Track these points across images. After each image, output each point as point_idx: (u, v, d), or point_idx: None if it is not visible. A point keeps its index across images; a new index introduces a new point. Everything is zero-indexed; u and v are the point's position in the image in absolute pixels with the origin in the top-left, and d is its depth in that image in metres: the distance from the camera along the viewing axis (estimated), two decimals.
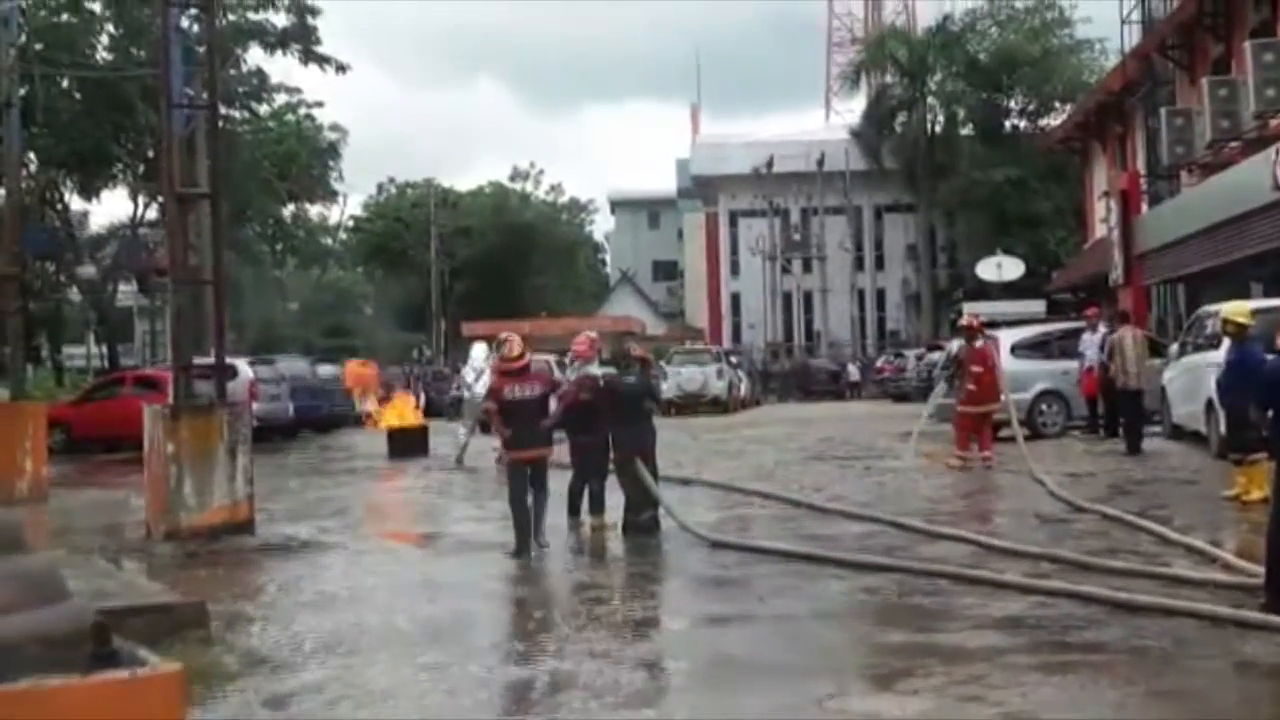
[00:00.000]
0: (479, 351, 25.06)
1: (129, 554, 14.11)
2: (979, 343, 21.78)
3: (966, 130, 69.06)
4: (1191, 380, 21.24)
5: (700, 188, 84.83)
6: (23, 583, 3.13)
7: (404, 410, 31.99)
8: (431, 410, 40.22)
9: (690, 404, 46.32)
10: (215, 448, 14.84)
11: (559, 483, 14.64)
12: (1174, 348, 23.85)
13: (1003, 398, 21.34)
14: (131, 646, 3.26)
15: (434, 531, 16.10)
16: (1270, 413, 9.83)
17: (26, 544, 3.31)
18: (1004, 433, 22.07)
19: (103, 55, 47.61)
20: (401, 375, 52.34)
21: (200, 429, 14.86)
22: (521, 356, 14.12)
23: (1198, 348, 21.20)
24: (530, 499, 13.71)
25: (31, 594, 3.12)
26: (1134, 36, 38.08)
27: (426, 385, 51.33)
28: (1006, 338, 26.51)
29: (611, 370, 15.62)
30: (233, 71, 48.57)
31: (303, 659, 9.05)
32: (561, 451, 15.13)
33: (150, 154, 45.43)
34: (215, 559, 13.78)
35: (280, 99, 58.10)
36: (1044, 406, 26.42)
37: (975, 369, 21.32)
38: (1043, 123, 65.65)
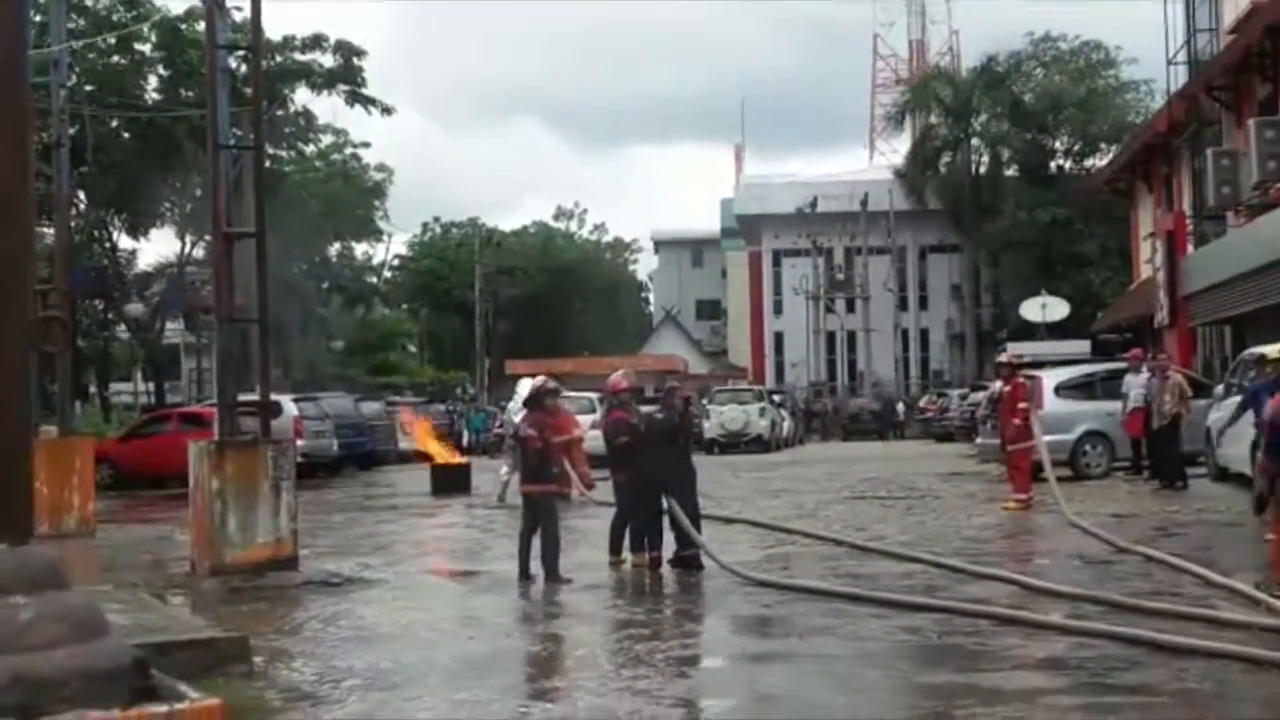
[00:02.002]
0: (525, 389, 25.09)
1: (174, 589, 14.19)
2: (1018, 381, 21.69)
3: (1011, 171, 68.91)
4: (1236, 425, 21.06)
5: (744, 227, 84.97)
6: (64, 619, 3.17)
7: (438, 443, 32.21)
8: (475, 448, 40.33)
9: (733, 442, 46.30)
10: (260, 484, 14.90)
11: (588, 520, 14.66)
12: (1219, 389, 23.70)
13: (1035, 439, 21.19)
14: (171, 681, 3.29)
15: (475, 568, 16.12)
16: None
17: (67, 580, 3.35)
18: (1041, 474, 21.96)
19: (151, 96, 48.05)
20: (445, 414, 52.43)
21: (245, 465, 14.93)
22: (531, 399, 15.35)
23: (1243, 389, 21.05)
24: (539, 533, 14.40)
25: (72, 630, 3.16)
26: (1180, 78, 37.97)
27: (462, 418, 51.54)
28: (1050, 378, 26.40)
29: (652, 409, 15.70)
30: (279, 112, 48.96)
31: (343, 694, 9.08)
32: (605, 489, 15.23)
33: (197, 193, 45.79)
34: (259, 594, 13.83)
35: (326, 140, 58.56)
36: (1088, 447, 26.25)
37: (1022, 405, 21.24)
38: (1088, 163, 65.49)
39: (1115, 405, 25.45)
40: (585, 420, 32.74)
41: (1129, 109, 64.42)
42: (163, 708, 3.12)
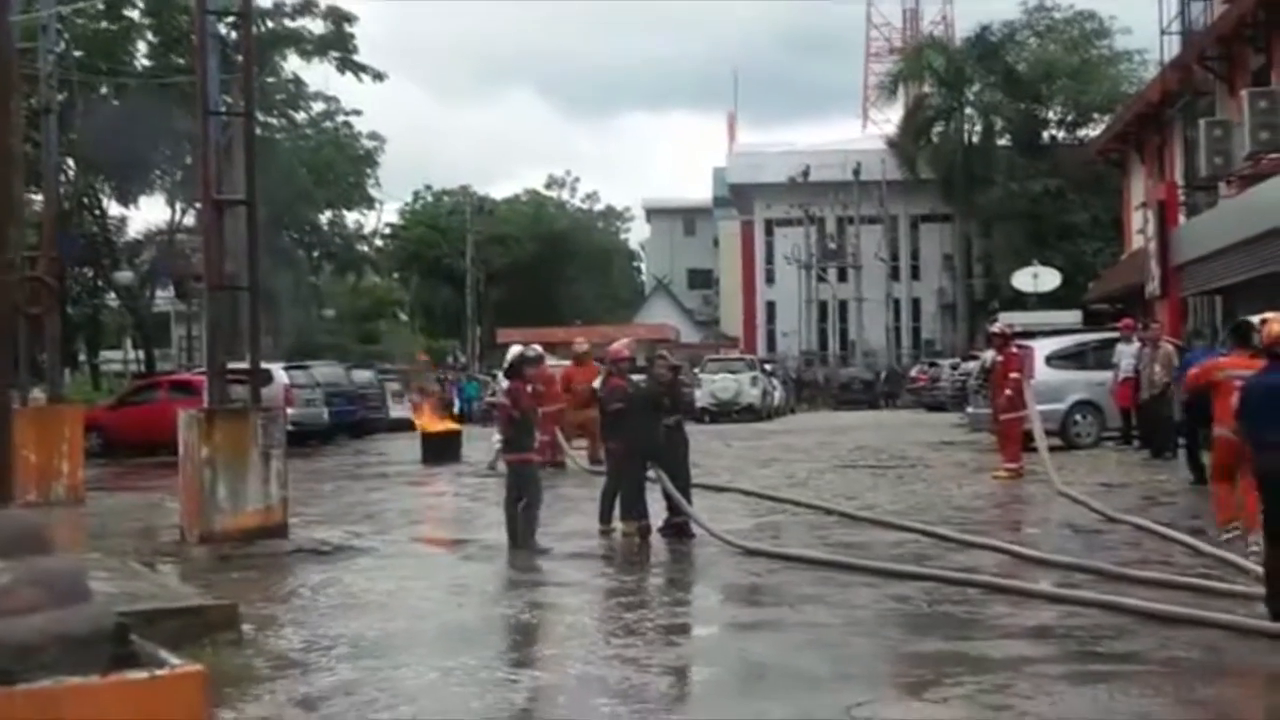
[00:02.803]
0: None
1: (163, 557, 14.18)
2: (1010, 351, 21.69)
3: (1004, 141, 68.88)
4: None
5: (736, 196, 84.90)
6: (44, 584, 3.14)
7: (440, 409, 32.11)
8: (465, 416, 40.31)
9: (724, 412, 46.30)
10: (249, 452, 14.87)
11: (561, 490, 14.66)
12: None
13: (1027, 408, 21.19)
14: (152, 648, 3.27)
15: (464, 537, 16.13)
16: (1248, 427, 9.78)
17: (49, 545, 3.33)
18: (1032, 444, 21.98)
19: (141, 62, 47.88)
20: (435, 380, 52.40)
21: (235, 433, 14.91)
22: (510, 368, 15.28)
23: None
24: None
25: (52, 595, 3.13)
26: (1173, 48, 37.85)
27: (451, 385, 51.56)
28: (1042, 348, 26.37)
29: (642, 378, 15.72)
30: (270, 79, 48.79)
31: (332, 662, 9.07)
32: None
33: (188, 160, 45.64)
34: (248, 562, 13.82)
35: (317, 107, 58.37)
36: (1079, 417, 26.28)
37: (1014, 375, 21.24)
38: (1081, 134, 65.48)
39: (1106, 375, 25.49)
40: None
41: (1122, 79, 64.32)
42: (143, 674, 3.10)
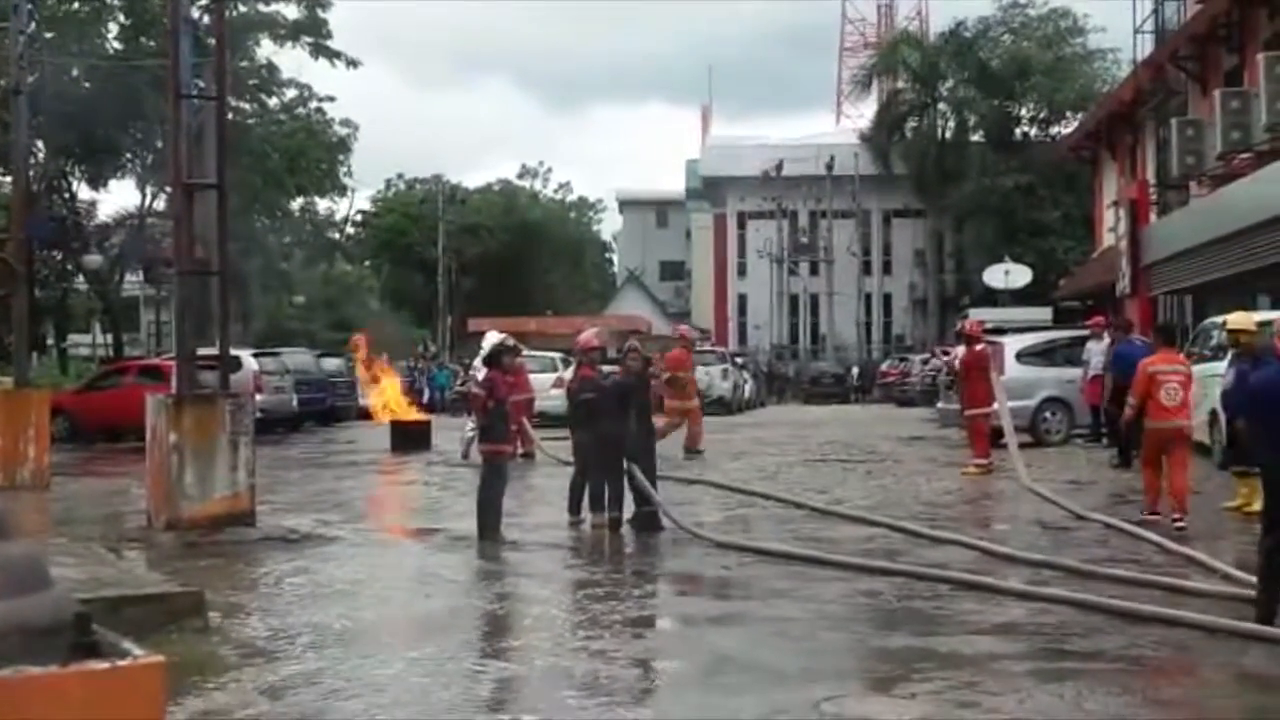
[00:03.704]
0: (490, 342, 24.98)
1: (129, 543, 14.10)
2: (979, 347, 21.70)
3: (977, 137, 69.07)
4: (1198, 391, 21.07)
5: (709, 189, 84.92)
6: (2, 571, 3.09)
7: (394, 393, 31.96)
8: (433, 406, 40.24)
9: None
10: (217, 438, 14.81)
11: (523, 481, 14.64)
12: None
13: (995, 404, 21.20)
14: (115, 637, 3.22)
15: (433, 526, 16.08)
16: (1255, 425, 9.80)
17: (8, 531, 3.27)
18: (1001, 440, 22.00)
19: (113, 45, 47.55)
20: (407, 371, 52.27)
21: (203, 419, 14.84)
22: (490, 357, 15.34)
23: (1203, 359, 21.09)
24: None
25: (10, 582, 3.08)
26: (1147, 47, 37.99)
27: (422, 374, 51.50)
28: (1012, 344, 26.43)
29: (614, 370, 15.69)
30: (243, 63, 48.54)
31: (299, 650, 9.03)
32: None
33: (158, 144, 45.38)
34: (215, 549, 13.76)
35: (290, 93, 58.10)
36: (1048, 414, 26.30)
37: (984, 371, 21.25)
38: (1054, 131, 65.66)
39: (1076, 372, 25.54)
40: (547, 379, 32.86)
41: (1096, 77, 64.52)
42: (104, 664, 3.05)
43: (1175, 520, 14.22)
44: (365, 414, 40.14)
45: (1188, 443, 15.13)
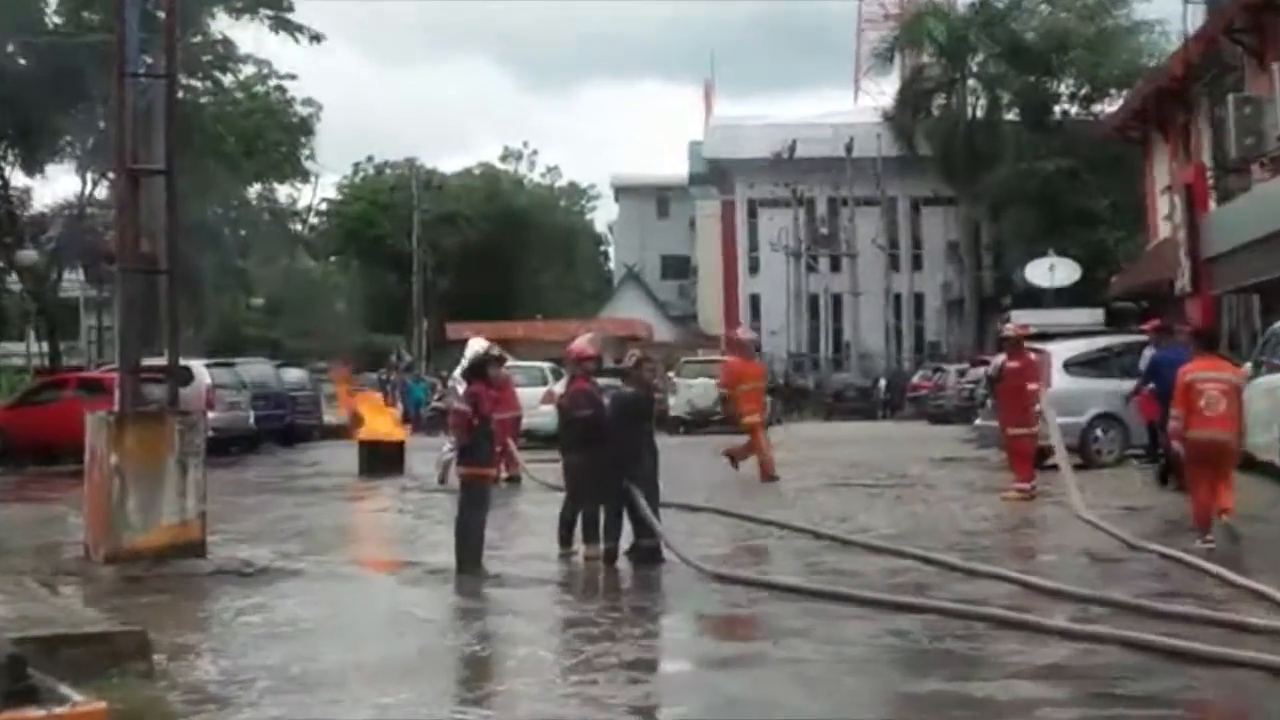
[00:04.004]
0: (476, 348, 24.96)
1: (65, 577, 14.10)
2: (1023, 355, 21.67)
3: (1011, 116, 68.97)
4: (1269, 405, 20.99)
5: (715, 174, 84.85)
6: None
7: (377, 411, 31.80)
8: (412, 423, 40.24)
9: (701, 421, 46.24)
10: (165, 460, 14.82)
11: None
12: (1248, 367, 23.70)
13: (1043, 420, 21.18)
14: (53, 682, 3.25)
15: (407, 559, 16.10)
16: None
17: None
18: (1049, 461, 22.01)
19: (52, 19, 47.64)
20: (376, 382, 52.28)
21: (149, 439, 14.85)
22: (473, 368, 15.47)
23: (1273, 368, 21.04)
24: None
25: None
26: (1197, 18, 38.01)
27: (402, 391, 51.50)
28: (1059, 352, 26.27)
29: (615, 382, 15.69)
30: (195, 38, 48.61)
31: (255, 696, 9.05)
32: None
33: (101, 126, 45.43)
34: (161, 584, 13.77)
35: (247, 70, 58.20)
36: (1099, 432, 26.08)
37: (1032, 386, 21.24)
38: (1096, 109, 65.57)
39: (1132, 384, 25.33)
40: (536, 393, 32.79)
41: (1141, 51, 64.46)
42: (40, 711, 3.09)
43: (1208, 540, 14.93)
44: (330, 432, 40.21)
45: (1232, 457, 15.64)
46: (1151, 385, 21.80)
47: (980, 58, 69.73)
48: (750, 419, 25.27)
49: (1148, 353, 24.79)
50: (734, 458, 25.17)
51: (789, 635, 10.93)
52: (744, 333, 26.68)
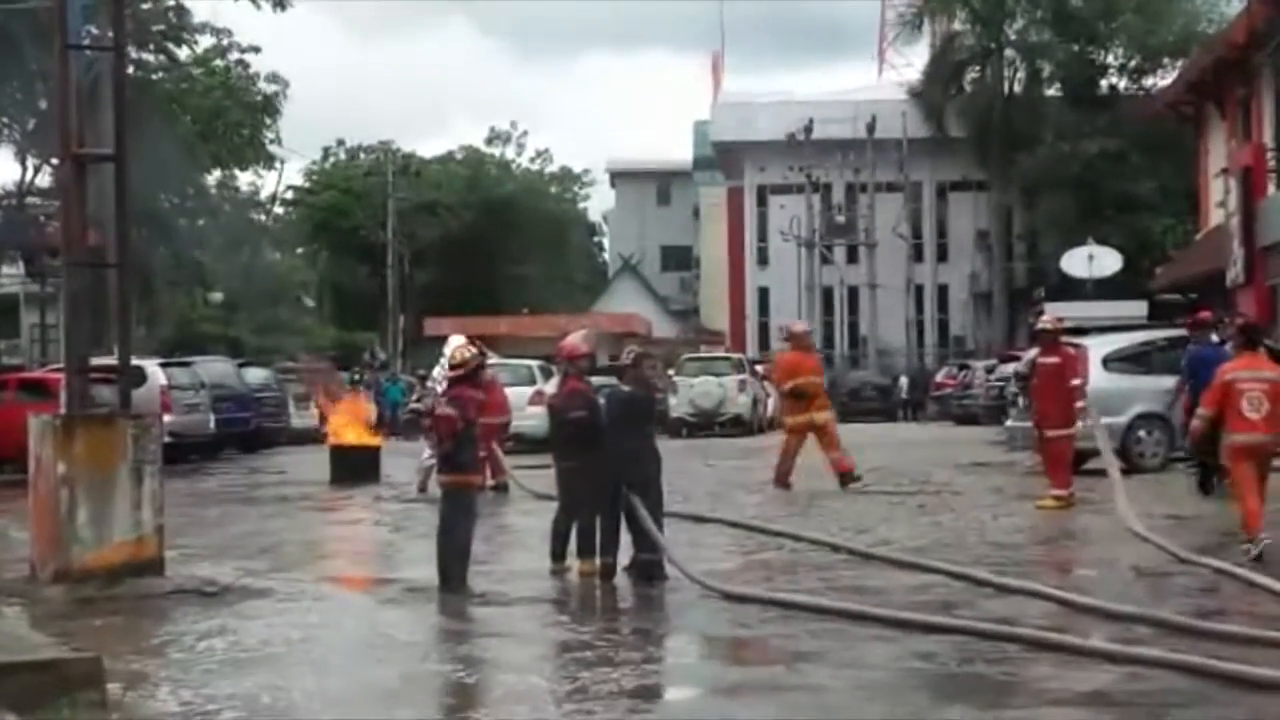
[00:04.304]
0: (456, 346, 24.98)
1: (9, 598, 14.10)
2: (1060, 350, 21.68)
3: (1053, 90, 68.94)
4: None
5: (722, 157, 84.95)
6: None
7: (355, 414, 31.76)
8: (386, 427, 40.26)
9: (705, 423, 46.31)
10: (117, 469, 14.80)
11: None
12: None
13: (1085, 421, 21.18)
14: (1, 712, 3.26)
15: (385, 576, 16.12)
16: None
17: None
18: (1089, 465, 22.02)
19: None
20: (349, 384, 52.29)
21: (99, 445, 14.82)
22: (461, 365, 15.04)
23: None
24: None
25: None
26: None
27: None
28: (1097, 347, 26.31)
29: (611, 381, 15.69)
30: (145, 5, 48.62)
31: None
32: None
33: (42, 105, 45.43)
34: (115, 605, 13.77)
35: (205, 42, 58.16)
36: (1142, 433, 26.16)
37: (1075, 383, 21.24)
38: (1147, 83, 65.56)
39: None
40: (524, 393, 32.80)
41: (1199, 16, 64.46)
42: None
43: (1245, 546, 15.29)
44: (299, 437, 40.23)
45: (1270, 461, 16.11)
46: (1189, 384, 21.96)
47: (1019, 24, 69.74)
48: (795, 419, 25.03)
49: (1194, 348, 24.87)
50: (846, 472, 24.57)
51: (804, 659, 10.94)
52: (802, 325, 26.33)
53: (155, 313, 59.05)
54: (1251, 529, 15.48)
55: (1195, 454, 21.58)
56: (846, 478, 24.03)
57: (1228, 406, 15.56)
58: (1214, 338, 22.99)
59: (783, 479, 24.54)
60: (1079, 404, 21.16)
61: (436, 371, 26.02)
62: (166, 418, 23.32)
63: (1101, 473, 20.57)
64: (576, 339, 16.18)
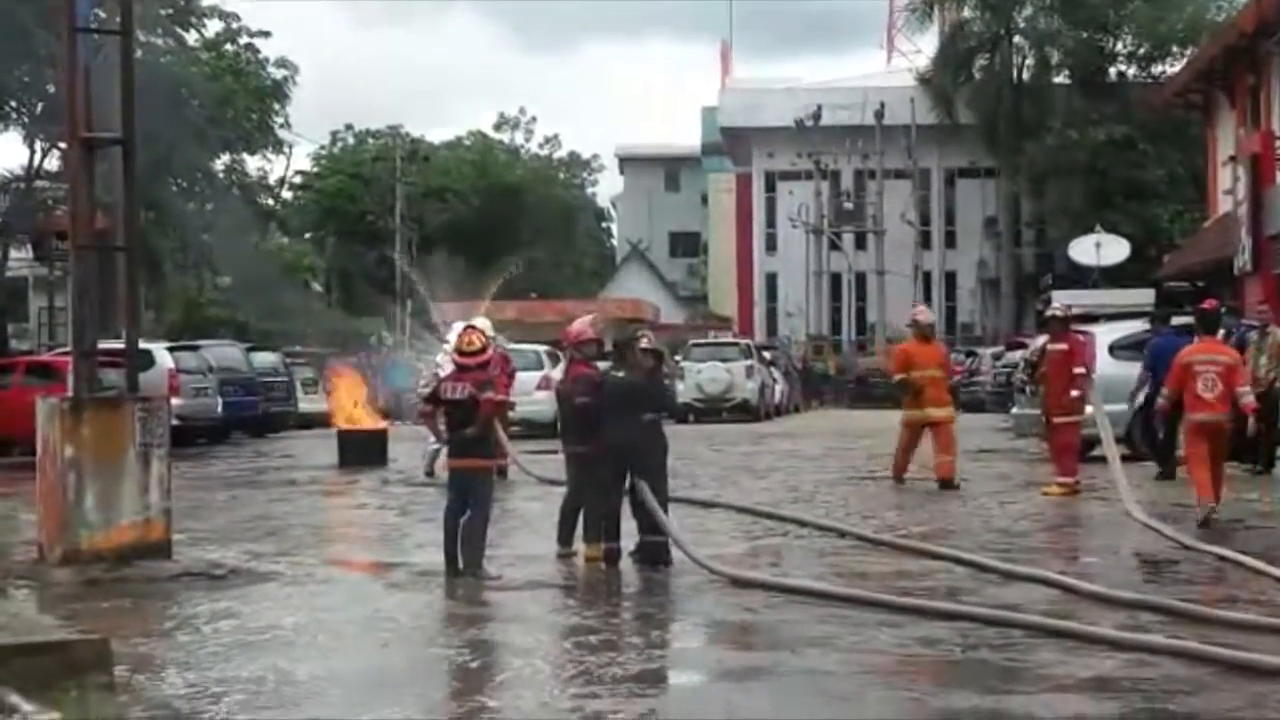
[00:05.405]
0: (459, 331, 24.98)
1: (17, 580, 14.12)
2: (1068, 336, 21.67)
3: (1061, 78, 68.89)
4: None
5: (730, 143, 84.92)
6: None
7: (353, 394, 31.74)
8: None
9: (712, 409, 46.33)
10: (124, 452, 14.81)
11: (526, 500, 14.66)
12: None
13: (1089, 408, 21.19)
14: (5, 692, 3.28)
15: (391, 559, 16.11)
16: None
17: None
18: (1094, 452, 22.01)
19: None
20: (356, 368, 52.27)
21: (106, 429, 14.83)
22: (481, 351, 14.77)
23: None
24: (464, 516, 14.37)
25: None
26: None
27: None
28: (1104, 335, 26.32)
29: (610, 365, 15.65)
30: None
31: (225, 711, 9.05)
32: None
33: (50, 89, 45.39)
34: (123, 588, 13.78)
35: (214, 26, 58.16)
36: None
37: (1078, 370, 21.23)
38: (1156, 71, 65.48)
39: None
40: (531, 378, 32.81)
41: (1208, 4, 64.39)
42: None
43: (1207, 511, 16.66)
44: (307, 421, 40.24)
45: (1226, 439, 17.46)
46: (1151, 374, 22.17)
47: (1028, 11, 69.61)
48: (908, 414, 23.26)
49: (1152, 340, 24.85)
50: (944, 478, 22.74)
51: (809, 644, 10.94)
52: (926, 313, 25.32)
53: (163, 297, 59.09)
54: (1201, 498, 16.78)
55: (1144, 444, 23.92)
56: (945, 483, 22.55)
57: (1186, 388, 16.97)
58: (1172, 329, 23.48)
59: (898, 472, 23.44)
60: (1074, 392, 21.11)
61: (439, 357, 26.00)
62: (174, 401, 23.33)
63: (1100, 460, 20.58)
64: (583, 324, 16.16)
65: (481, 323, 19.51)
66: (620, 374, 15.20)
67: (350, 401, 31.12)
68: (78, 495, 14.64)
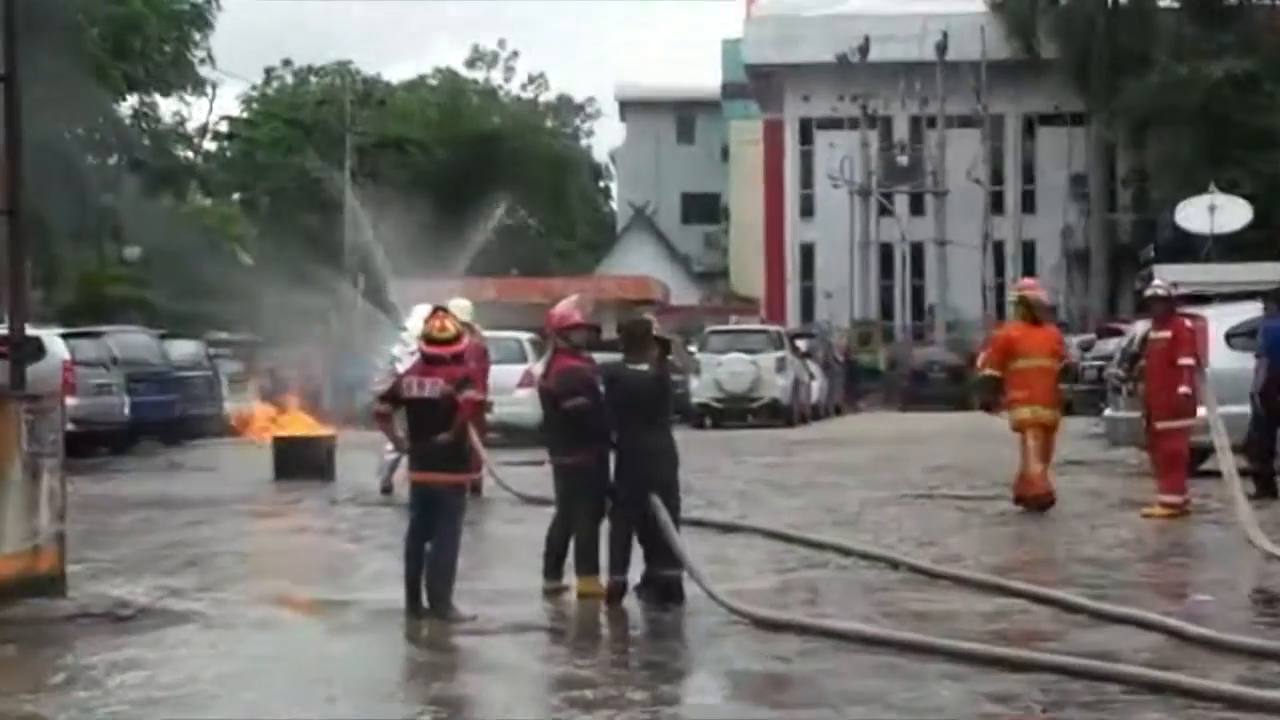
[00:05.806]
0: (419, 318, 24.94)
1: None
2: (1176, 323, 21.65)
3: (1168, 1, 68.79)
4: None
5: (757, 84, 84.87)
6: None
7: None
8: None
9: (735, 411, 46.33)
10: (8, 463, 14.83)
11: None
12: None
13: (1201, 411, 21.17)
14: None
15: (340, 596, 16.14)
16: None
17: None
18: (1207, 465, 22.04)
19: None
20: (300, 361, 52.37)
21: None
22: (455, 339, 14.68)
23: None
24: (430, 543, 14.36)
25: None
26: None
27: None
28: (1220, 320, 26.28)
29: (615, 357, 15.62)
30: None
31: None
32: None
33: None
34: (5, 632, 13.79)
35: None
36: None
37: (1184, 362, 21.13)
38: None
39: None
40: (511, 372, 32.81)
41: None
42: None
43: None
44: (233, 425, 40.25)
45: None
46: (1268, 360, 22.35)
47: None
48: (1016, 415, 22.34)
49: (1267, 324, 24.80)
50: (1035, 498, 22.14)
51: (854, 701, 10.96)
52: (1032, 286, 24.48)
53: (55, 271, 59.09)
54: None
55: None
56: (1042, 499, 22.02)
57: None
58: None
59: (1033, 491, 22.97)
60: (1182, 389, 20.99)
61: (397, 349, 26.01)
62: (70, 401, 23.38)
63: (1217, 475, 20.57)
64: (567, 306, 15.95)
65: (460, 304, 19.50)
66: (641, 367, 15.01)
67: (278, 406, 31.22)
68: None
